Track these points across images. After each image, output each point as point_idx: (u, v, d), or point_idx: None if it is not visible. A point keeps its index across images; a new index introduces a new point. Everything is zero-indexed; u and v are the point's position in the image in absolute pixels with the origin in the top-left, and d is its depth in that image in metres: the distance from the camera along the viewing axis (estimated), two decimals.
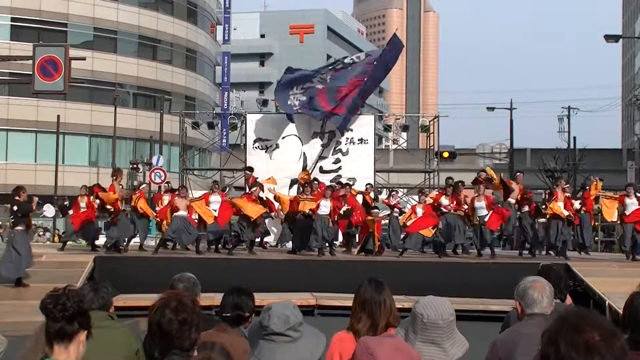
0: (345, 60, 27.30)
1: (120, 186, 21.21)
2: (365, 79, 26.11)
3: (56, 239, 33.53)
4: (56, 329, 3.57)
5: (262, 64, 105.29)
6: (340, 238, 23.84)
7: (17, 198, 17.26)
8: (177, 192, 21.35)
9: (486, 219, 20.39)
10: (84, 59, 28.10)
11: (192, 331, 3.63)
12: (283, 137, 26.71)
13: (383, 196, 25.02)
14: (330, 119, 26.10)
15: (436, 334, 3.41)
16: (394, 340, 2.72)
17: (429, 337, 3.40)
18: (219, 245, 21.54)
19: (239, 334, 4.95)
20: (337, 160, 26.91)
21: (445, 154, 38.89)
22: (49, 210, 22.14)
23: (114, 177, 20.99)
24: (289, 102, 26.27)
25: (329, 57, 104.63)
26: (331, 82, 26.31)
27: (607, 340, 2.41)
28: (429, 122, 31.15)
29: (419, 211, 21.21)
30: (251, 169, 24.08)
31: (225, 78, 73.21)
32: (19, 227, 17.20)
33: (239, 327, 5.04)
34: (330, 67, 27.38)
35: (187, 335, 3.61)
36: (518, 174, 23.00)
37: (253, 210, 20.52)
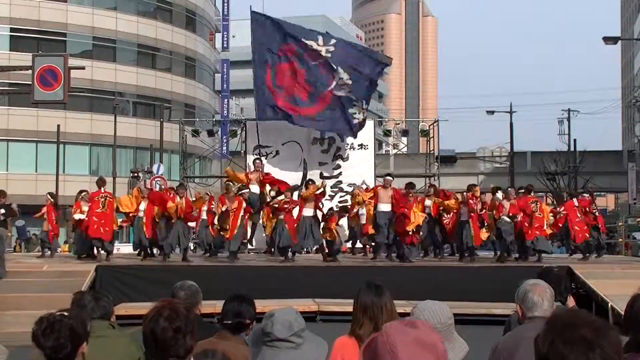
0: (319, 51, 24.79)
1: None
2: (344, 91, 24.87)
3: (64, 248, 33.18)
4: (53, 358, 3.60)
5: None
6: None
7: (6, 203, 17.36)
8: (176, 191, 20.76)
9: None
10: (83, 68, 28.14)
11: (187, 339, 3.63)
12: (283, 144, 26.70)
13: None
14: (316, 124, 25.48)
15: None
16: (418, 332, 2.62)
17: None
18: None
19: (240, 341, 4.95)
20: (338, 166, 26.90)
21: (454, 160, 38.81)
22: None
23: (103, 187, 20.88)
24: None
25: None
26: (311, 79, 25.08)
27: (603, 333, 2.43)
28: (429, 126, 31.16)
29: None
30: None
31: (225, 85, 73.15)
32: None
33: (240, 334, 5.04)
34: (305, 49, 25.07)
35: (181, 343, 3.61)
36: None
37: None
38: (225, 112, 70.45)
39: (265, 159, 26.71)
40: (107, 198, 20.30)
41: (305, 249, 22.23)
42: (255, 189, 21.76)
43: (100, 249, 20.45)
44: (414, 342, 2.58)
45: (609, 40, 33.91)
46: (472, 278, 18.84)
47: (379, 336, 2.61)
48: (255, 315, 5.16)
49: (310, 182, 21.67)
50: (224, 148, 49.16)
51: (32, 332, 3.63)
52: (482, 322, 14.56)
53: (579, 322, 2.45)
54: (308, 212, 20.60)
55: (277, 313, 4.13)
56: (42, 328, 3.61)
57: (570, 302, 6.09)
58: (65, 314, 3.74)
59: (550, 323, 2.52)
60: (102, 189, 20.76)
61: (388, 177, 22.16)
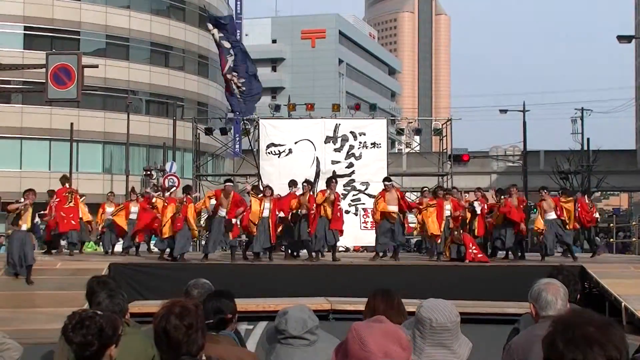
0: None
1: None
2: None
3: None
4: (82, 358, 3.62)
5: (274, 69, 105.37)
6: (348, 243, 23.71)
7: (21, 200, 17.68)
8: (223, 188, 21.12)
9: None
10: (96, 66, 28.15)
11: (199, 335, 3.65)
12: (296, 142, 26.73)
13: None
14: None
15: (445, 336, 3.42)
16: (383, 325, 2.80)
17: (438, 341, 3.40)
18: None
19: (230, 342, 4.92)
20: (350, 165, 26.92)
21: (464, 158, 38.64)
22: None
23: (67, 184, 22.11)
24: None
25: (340, 61, 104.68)
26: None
27: (604, 331, 2.43)
28: (442, 125, 31.12)
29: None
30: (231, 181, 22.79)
31: None
32: (13, 227, 17.66)
33: (225, 333, 5.00)
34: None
35: (194, 339, 3.63)
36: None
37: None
38: None
39: (278, 157, 26.75)
40: (73, 193, 21.50)
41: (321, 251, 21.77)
42: None
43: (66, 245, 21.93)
44: (380, 334, 2.72)
45: (623, 38, 33.72)
46: (482, 277, 18.81)
47: (348, 333, 2.77)
48: (235, 310, 5.12)
49: (332, 181, 21.10)
50: (237, 146, 49.18)
51: (63, 325, 3.66)
52: (495, 322, 14.53)
53: (581, 321, 2.47)
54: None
55: (290, 311, 4.13)
56: (72, 323, 3.65)
57: None
58: (99, 312, 3.77)
59: (554, 324, 2.54)
60: (67, 185, 21.95)
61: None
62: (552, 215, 20.36)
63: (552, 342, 2.49)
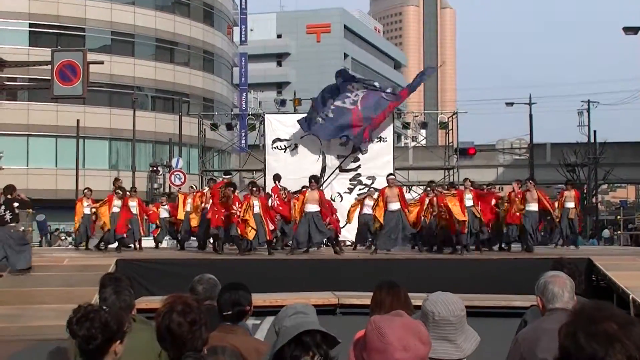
0: (375, 84, 27.15)
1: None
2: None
3: None
4: (86, 351, 3.62)
5: (279, 64, 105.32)
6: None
7: (18, 196, 17.69)
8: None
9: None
10: (102, 63, 28.15)
11: (203, 330, 3.64)
12: (302, 137, 26.70)
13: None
14: (356, 141, 26.32)
15: (448, 330, 3.40)
16: (403, 319, 2.81)
17: (440, 334, 3.39)
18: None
19: (245, 332, 4.93)
20: (356, 159, 26.89)
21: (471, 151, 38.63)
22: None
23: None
24: (318, 121, 26.06)
25: (345, 56, 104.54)
26: (364, 111, 26.06)
27: (625, 328, 2.42)
28: (448, 118, 31.03)
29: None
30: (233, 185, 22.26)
31: (243, 79, 73.36)
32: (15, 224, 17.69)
33: (242, 323, 5.01)
34: (359, 85, 26.84)
35: (198, 335, 3.62)
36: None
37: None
38: (244, 105, 70.64)
39: (284, 152, 26.73)
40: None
41: (317, 244, 21.82)
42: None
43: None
44: (400, 327, 2.74)
45: (629, 30, 33.57)
46: (489, 271, 18.77)
47: (367, 326, 2.79)
48: (251, 302, 5.14)
49: (312, 182, 21.14)
50: (243, 141, 49.23)
51: (68, 319, 3.66)
52: (503, 315, 14.52)
53: (603, 316, 2.44)
54: (313, 208, 20.52)
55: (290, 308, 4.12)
56: (77, 316, 3.65)
57: None
58: (105, 308, 3.78)
59: (575, 315, 2.52)
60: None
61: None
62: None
63: (572, 333, 2.47)
